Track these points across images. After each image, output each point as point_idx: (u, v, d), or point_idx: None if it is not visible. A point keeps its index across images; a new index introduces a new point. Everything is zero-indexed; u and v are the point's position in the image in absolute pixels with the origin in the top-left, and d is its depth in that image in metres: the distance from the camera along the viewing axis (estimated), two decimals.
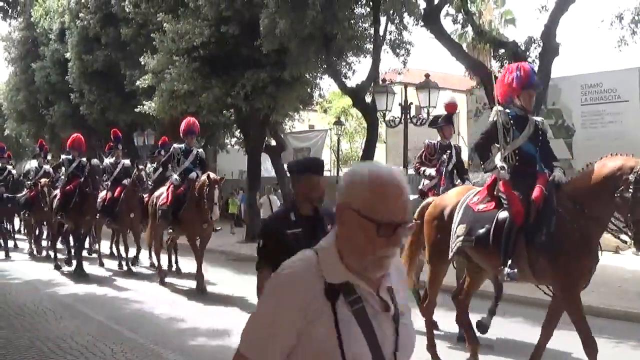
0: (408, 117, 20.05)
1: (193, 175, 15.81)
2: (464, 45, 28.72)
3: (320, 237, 5.22)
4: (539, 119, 8.89)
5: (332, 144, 36.03)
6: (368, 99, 23.71)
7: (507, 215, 8.15)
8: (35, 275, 17.81)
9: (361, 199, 2.53)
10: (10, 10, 23.66)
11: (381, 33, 23.32)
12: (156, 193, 17.20)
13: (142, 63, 26.34)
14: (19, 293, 15.13)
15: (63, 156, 19.82)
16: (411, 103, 20.15)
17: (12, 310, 13.06)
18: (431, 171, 12.23)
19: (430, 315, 9.48)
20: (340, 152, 36.54)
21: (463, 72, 21.87)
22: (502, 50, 20.25)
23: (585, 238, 7.73)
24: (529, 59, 19.35)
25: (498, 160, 8.52)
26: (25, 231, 25.67)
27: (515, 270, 7.98)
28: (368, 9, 23.37)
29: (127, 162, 20.13)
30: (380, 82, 22.90)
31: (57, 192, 19.61)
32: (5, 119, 48.95)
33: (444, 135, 12.33)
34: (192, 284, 15.70)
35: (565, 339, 8.70)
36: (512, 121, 8.54)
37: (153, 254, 18.09)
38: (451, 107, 12.65)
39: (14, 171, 25.35)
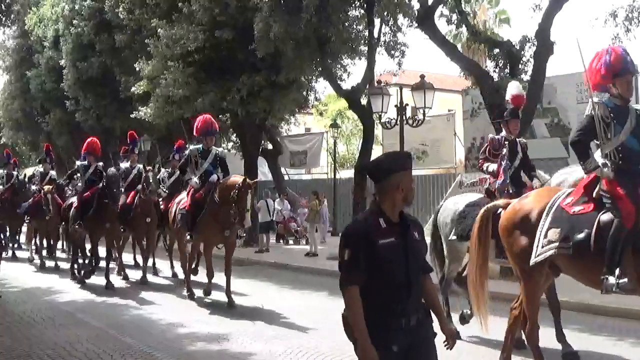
0: (404, 118, 20.04)
1: (214, 178, 14.60)
2: (459, 46, 28.74)
3: (413, 248, 4.90)
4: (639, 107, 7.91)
5: (329, 147, 35.99)
6: (364, 101, 23.73)
7: (611, 217, 7.26)
8: (34, 284, 17.77)
9: None
10: (3, 19, 23.70)
11: (375, 35, 23.36)
12: (177, 198, 16.36)
13: (137, 69, 26.35)
14: (18, 301, 15.10)
15: (78, 162, 19.06)
16: (407, 104, 20.15)
17: (11, 318, 13.03)
18: (493, 167, 11.27)
19: (536, 341, 8.18)
20: (337, 155, 36.50)
21: (458, 72, 21.85)
22: (496, 50, 20.27)
23: None
24: (524, 58, 19.37)
25: (598, 157, 7.60)
26: (26, 239, 25.28)
27: (626, 280, 7.08)
28: (362, 11, 23.39)
29: (140, 166, 18.86)
30: (376, 83, 22.92)
31: (73, 200, 18.84)
32: (1, 128, 48.91)
33: (509, 130, 11.15)
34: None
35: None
36: (611, 114, 7.51)
37: (169, 263, 17.87)
38: (518, 100, 11.50)
39: (20, 178, 25.05)
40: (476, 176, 27.42)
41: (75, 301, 15.01)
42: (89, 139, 18.57)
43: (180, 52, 24.10)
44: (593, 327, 11.34)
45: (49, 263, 21.44)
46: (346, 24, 22.92)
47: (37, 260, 22.11)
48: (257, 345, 10.42)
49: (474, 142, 31.31)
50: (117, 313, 13.63)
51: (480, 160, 11.70)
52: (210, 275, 14.52)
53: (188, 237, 15.34)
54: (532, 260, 7.72)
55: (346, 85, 25.38)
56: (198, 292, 15.15)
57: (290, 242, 28.79)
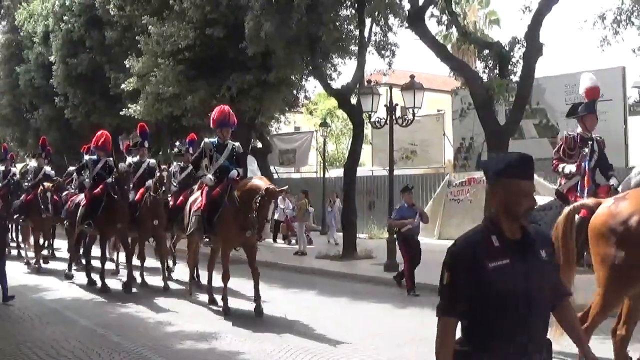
0: (393, 118, 20.07)
1: (233, 173, 13.42)
2: (449, 46, 28.91)
3: (538, 271, 3.85)
4: None
5: (318, 146, 36.01)
6: (353, 100, 23.73)
7: None
8: (21, 281, 17.68)
9: None
10: None
11: (366, 35, 23.37)
12: (190, 198, 14.93)
13: (127, 66, 26.34)
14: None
15: (86, 157, 18.04)
16: (396, 104, 20.17)
17: None
18: (571, 167, 10.23)
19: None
20: (326, 154, 36.53)
21: (448, 72, 21.91)
22: (486, 51, 20.34)
23: None
24: (513, 59, 19.44)
25: None
26: (21, 238, 23.38)
27: None
28: (353, 11, 23.40)
29: (152, 161, 17.85)
30: (366, 83, 22.94)
31: (80, 198, 17.66)
32: None
33: (585, 127, 10.32)
34: (176, 286, 15.69)
35: None
36: None
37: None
38: (592, 92, 10.57)
39: (17, 174, 23.99)
40: (465, 176, 27.66)
41: (63, 299, 14.99)
42: (99, 132, 17.59)
43: (170, 50, 24.09)
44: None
45: (54, 265, 20.51)
46: (337, 24, 22.94)
47: (32, 261, 20.42)
48: (245, 344, 10.43)
49: (463, 142, 31.44)
50: (105, 311, 13.61)
51: (554, 161, 10.54)
52: (226, 279, 13.08)
53: (206, 240, 13.82)
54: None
55: (336, 84, 25.43)
56: (195, 295, 15.16)
57: (293, 241, 27.31)
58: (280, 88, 25.62)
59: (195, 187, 16.56)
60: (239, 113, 25.00)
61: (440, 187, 28.10)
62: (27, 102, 42.05)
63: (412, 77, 19.59)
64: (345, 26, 23.71)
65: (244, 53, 22.63)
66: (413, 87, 19.24)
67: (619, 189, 9.37)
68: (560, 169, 10.42)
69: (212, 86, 24.13)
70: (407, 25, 21.15)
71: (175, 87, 24.14)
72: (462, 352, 3.82)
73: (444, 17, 21.35)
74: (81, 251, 18.61)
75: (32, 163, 23.20)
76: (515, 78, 18.99)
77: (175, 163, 19.00)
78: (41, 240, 20.81)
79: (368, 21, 23.38)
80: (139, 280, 16.66)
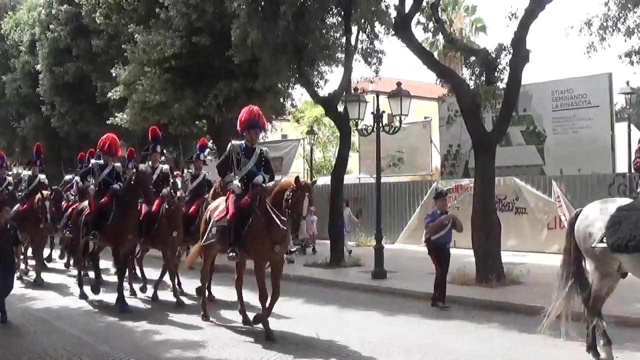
0: (380, 125, 20.09)
1: (259, 179, 12.10)
2: (435, 54, 28.88)
3: None
4: None
5: (305, 154, 36.03)
6: (340, 108, 23.73)
7: None
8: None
9: None
10: None
11: (353, 42, 23.37)
12: (211, 205, 13.46)
13: (114, 74, 26.36)
14: None
15: (92, 161, 16.88)
16: (383, 111, 20.18)
17: None
18: None
19: None
20: (313, 162, 36.53)
21: (434, 79, 21.95)
22: (473, 58, 20.33)
23: None
24: (500, 66, 19.48)
25: None
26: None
27: None
28: (339, 19, 23.42)
29: (165, 167, 16.86)
30: (353, 91, 22.93)
31: (84, 205, 16.37)
32: None
33: None
34: (165, 294, 15.63)
35: None
36: None
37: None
38: None
39: (10, 189, 21.34)
40: (452, 183, 27.71)
41: (50, 308, 14.92)
42: (105, 136, 16.32)
43: (157, 58, 24.11)
44: (569, 332, 11.36)
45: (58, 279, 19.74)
46: (323, 31, 22.95)
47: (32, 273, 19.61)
48: (233, 352, 10.43)
49: (450, 150, 31.50)
50: (93, 320, 13.57)
51: (637, 160, 9.75)
52: (264, 299, 11.59)
53: (231, 254, 11.93)
54: None
55: (323, 92, 25.40)
56: (165, 296, 15.13)
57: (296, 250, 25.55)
58: (267, 96, 25.66)
59: (209, 195, 16.28)
60: (225, 121, 25.16)
61: (428, 195, 28.12)
62: (14, 111, 42.07)
63: (398, 84, 19.61)
64: (332, 34, 23.72)
65: (231, 61, 22.66)
66: (400, 95, 19.27)
67: None
68: None
69: (199, 94, 24.18)
70: (393, 32, 21.17)
71: (162, 95, 24.15)
72: None
73: (431, 25, 21.36)
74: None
75: (25, 171, 22.09)
76: (501, 85, 19.01)
77: (186, 170, 17.90)
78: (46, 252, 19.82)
79: (354, 29, 23.40)
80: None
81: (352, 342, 10.77)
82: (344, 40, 23.42)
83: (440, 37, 24.12)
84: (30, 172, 21.16)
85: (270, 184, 11.91)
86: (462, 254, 17.95)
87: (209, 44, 23.41)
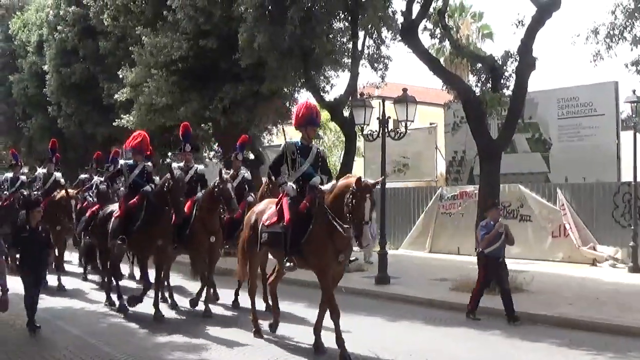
0: (386, 130, 20.08)
1: (315, 180, 10.99)
2: (442, 60, 28.90)
3: None
4: None
5: None
6: (346, 112, 23.76)
7: None
8: (11, 290, 17.56)
9: None
10: None
11: (359, 47, 23.39)
12: (257, 208, 12.41)
13: (120, 76, 26.39)
14: None
15: (121, 161, 15.82)
16: (389, 117, 20.18)
17: None
18: None
19: None
20: None
21: (440, 86, 21.93)
22: (479, 65, 20.34)
23: None
24: (506, 73, 19.48)
25: None
26: None
27: None
28: (346, 24, 23.45)
29: (200, 167, 15.86)
30: (359, 96, 22.94)
31: (112, 208, 15.00)
32: None
33: None
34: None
35: None
36: None
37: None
38: None
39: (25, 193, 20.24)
40: (457, 190, 27.70)
41: (53, 308, 14.87)
42: (135, 133, 15.37)
43: (164, 61, 24.13)
44: (572, 341, 11.39)
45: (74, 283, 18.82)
46: (330, 36, 23.00)
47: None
48: (235, 355, 10.44)
49: (455, 156, 31.49)
50: (96, 321, 13.58)
51: None
52: (337, 315, 10.44)
53: (289, 264, 11.19)
54: None
55: (329, 96, 25.42)
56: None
57: None
58: (273, 100, 25.70)
59: (250, 197, 15.67)
60: (231, 124, 25.20)
61: (432, 201, 28.12)
62: (20, 111, 42.10)
63: (404, 90, 19.61)
64: (339, 39, 23.77)
65: (237, 64, 22.67)
66: (406, 100, 19.27)
67: None
68: None
69: (205, 97, 24.19)
70: (400, 38, 21.18)
71: (168, 97, 24.17)
72: None
73: (437, 31, 21.37)
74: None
75: (40, 169, 21.03)
76: (508, 92, 19.01)
77: (223, 171, 15.70)
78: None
79: (361, 34, 23.40)
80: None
81: (355, 347, 10.77)
82: (350, 45, 23.46)
83: (446, 43, 24.21)
84: (45, 170, 20.23)
85: (328, 186, 10.65)
86: (466, 261, 17.93)
87: (216, 47, 23.44)
